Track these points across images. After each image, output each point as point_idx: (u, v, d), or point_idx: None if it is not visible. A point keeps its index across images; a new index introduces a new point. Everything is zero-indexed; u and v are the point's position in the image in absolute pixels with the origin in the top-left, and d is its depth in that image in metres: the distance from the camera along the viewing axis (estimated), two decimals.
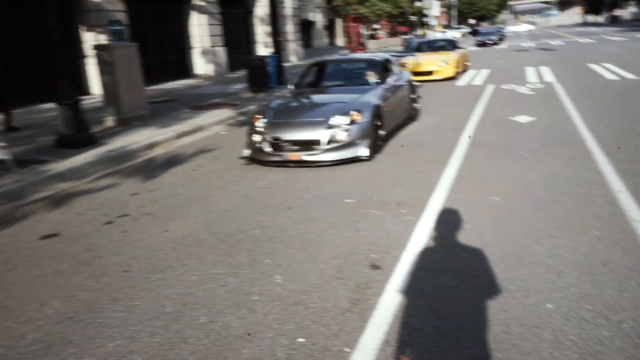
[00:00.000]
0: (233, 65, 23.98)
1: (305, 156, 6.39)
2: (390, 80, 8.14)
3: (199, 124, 10.58)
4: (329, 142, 6.37)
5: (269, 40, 27.15)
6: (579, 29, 66.83)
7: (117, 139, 9.26)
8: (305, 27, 49.45)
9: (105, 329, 3.16)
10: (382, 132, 7.15)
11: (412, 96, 9.21)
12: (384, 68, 8.61)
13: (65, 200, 6.11)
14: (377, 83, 7.99)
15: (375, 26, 64.81)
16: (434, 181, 5.56)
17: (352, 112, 6.57)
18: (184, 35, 22.55)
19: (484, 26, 71.00)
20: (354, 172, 6.16)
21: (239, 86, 17.13)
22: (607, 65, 16.31)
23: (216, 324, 3.10)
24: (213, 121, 10.96)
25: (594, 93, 11.06)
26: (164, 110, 12.55)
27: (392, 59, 9.15)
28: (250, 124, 7.16)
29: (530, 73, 16.05)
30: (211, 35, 22.63)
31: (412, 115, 9.13)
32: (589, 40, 34.19)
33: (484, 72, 17.28)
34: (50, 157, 8.02)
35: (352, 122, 6.50)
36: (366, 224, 4.51)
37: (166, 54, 21.64)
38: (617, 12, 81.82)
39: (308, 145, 6.45)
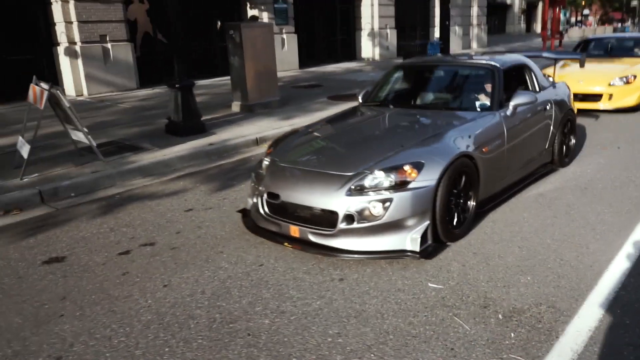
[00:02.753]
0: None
1: (312, 235, 3.69)
2: (517, 103, 4.65)
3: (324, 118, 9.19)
4: (352, 218, 3.54)
5: (451, 23, 24.71)
6: None
7: (228, 129, 8.36)
8: (500, 11, 45.19)
9: None
10: (470, 204, 4.09)
11: (561, 127, 5.58)
12: (510, 81, 5.13)
13: (116, 206, 5.22)
14: (487, 108, 4.71)
15: (585, 12, 56.89)
16: (593, 272, 3.35)
17: (405, 165, 3.66)
18: (354, 16, 21.35)
19: None
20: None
21: None
22: None
23: None
24: None
25: None
26: (300, 98, 11.45)
27: (531, 65, 5.53)
28: (260, 161, 4.51)
29: None
30: (381, 17, 21.06)
31: (558, 159, 5.61)
32: None
33: None
34: (148, 145, 7.38)
35: (402, 183, 3.57)
36: (437, 351, 2.63)
37: (333, 34, 20.71)
38: None
39: (317, 217, 3.69)
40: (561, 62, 9.44)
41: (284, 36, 17.47)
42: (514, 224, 4.22)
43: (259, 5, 16.69)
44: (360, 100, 5.67)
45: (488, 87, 4.88)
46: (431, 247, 3.67)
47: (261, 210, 4.05)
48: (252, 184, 4.37)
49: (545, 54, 6.27)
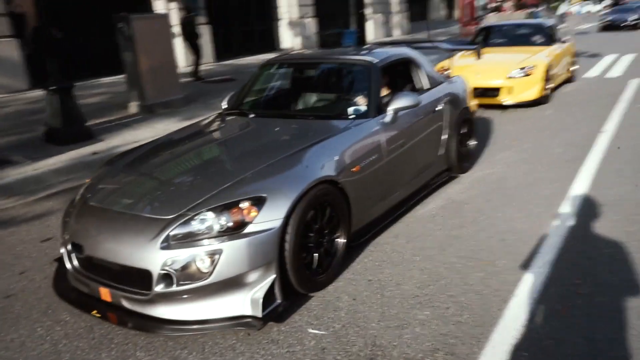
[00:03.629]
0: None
1: (126, 300, 2.76)
2: (396, 107, 3.81)
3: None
4: (169, 278, 2.60)
5: (371, 11, 24.42)
6: None
7: (119, 134, 7.47)
8: None
9: None
10: (338, 241, 3.24)
11: (457, 129, 4.82)
12: (394, 79, 4.50)
13: None
14: (363, 114, 3.83)
15: None
16: (498, 299, 2.90)
17: (242, 202, 2.75)
18: (271, 4, 20.56)
19: None
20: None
21: None
22: None
23: None
24: None
25: None
26: (209, 94, 10.63)
27: (417, 59, 4.69)
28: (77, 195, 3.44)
29: None
30: (301, 5, 20.39)
31: (456, 166, 4.88)
32: None
33: (627, 59, 13.23)
34: (20, 157, 6.38)
35: (239, 226, 2.68)
36: None
37: (250, 24, 19.84)
38: None
39: (129, 276, 2.72)
40: (461, 53, 8.70)
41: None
42: (417, 238, 3.73)
43: None
44: (225, 106, 4.69)
45: (372, 88, 3.96)
46: (281, 306, 2.78)
47: (67, 265, 3.04)
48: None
49: (441, 45, 5.65)
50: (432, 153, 4.55)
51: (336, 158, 3.24)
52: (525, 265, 3.24)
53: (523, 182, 4.78)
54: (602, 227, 3.73)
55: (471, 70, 7.76)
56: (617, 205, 4.10)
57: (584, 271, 3.13)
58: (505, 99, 7.84)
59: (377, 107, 3.85)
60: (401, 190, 4.03)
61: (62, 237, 3.18)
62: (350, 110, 3.94)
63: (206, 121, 4.52)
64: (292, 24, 20.48)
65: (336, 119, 3.85)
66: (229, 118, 4.35)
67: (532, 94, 7.87)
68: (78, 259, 2.97)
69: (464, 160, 5.07)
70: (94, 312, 2.80)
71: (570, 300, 2.84)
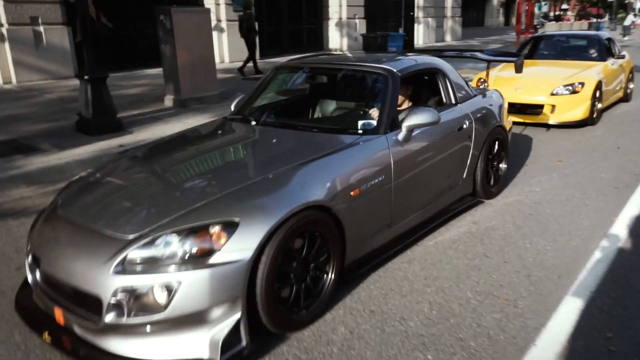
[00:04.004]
0: None
1: (77, 327, 2.42)
2: (411, 124, 3.33)
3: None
4: (120, 308, 2.26)
5: (422, 14, 23.89)
6: None
7: (150, 128, 7.41)
8: (479, 3, 44.69)
9: None
10: (327, 276, 2.84)
11: (486, 149, 4.39)
12: (419, 90, 4.22)
13: None
14: (371, 130, 3.39)
15: (564, 6, 56.74)
16: (515, 348, 2.54)
17: (213, 226, 2.38)
18: (321, 4, 20.38)
19: None
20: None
21: None
22: None
23: None
24: None
25: None
26: (245, 91, 10.48)
27: (446, 69, 4.24)
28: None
29: None
30: (350, 6, 20.14)
31: (482, 190, 4.41)
32: None
33: None
34: (47, 145, 6.40)
35: (206, 253, 2.32)
36: None
37: (299, 23, 19.73)
38: None
39: (82, 300, 2.40)
40: (502, 64, 8.10)
41: None
42: (433, 265, 3.39)
43: None
44: (232, 109, 4.30)
45: (386, 99, 3.48)
46: (247, 350, 2.37)
47: (29, 277, 2.74)
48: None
49: (479, 55, 5.18)
50: (454, 176, 4.08)
51: (331, 179, 2.82)
52: (551, 308, 2.86)
53: (561, 209, 4.34)
54: None
55: (511, 84, 7.19)
56: None
57: (619, 323, 2.72)
58: (547, 118, 7.11)
59: (390, 123, 3.40)
60: (413, 216, 3.60)
61: (26, 245, 2.94)
62: (359, 124, 3.52)
63: (205, 126, 4.24)
64: (340, 25, 20.24)
65: (342, 134, 3.40)
66: (229, 124, 4.00)
67: (579, 113, 7.12)
68: (39, 272, 2.69)
69: (492, 185, 4.59)
70: (45, 333, 2.52)
71: (599, 356, 2.46)
